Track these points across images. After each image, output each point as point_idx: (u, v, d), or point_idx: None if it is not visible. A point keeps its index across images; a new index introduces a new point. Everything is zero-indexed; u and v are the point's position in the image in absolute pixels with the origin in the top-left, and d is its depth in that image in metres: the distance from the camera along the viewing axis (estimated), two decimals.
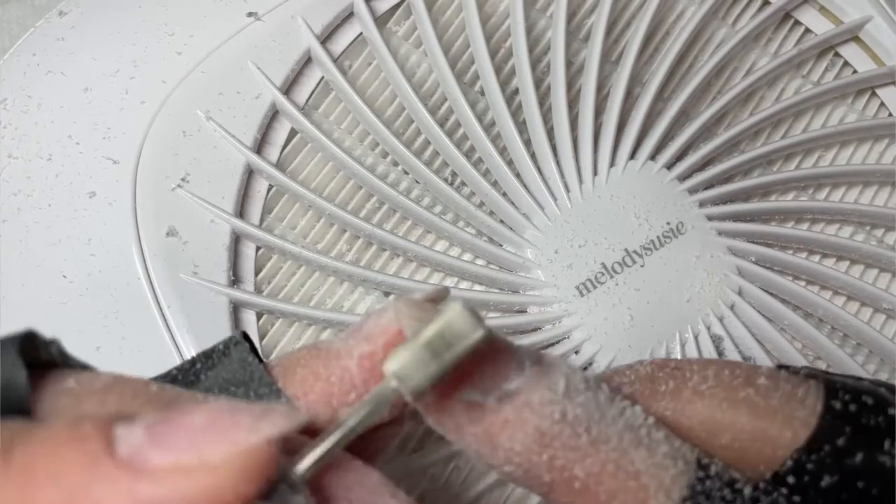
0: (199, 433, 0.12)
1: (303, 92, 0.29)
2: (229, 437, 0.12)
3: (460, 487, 0.27)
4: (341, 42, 0.30)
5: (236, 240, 0.27)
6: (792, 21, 0.36)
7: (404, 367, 0.15)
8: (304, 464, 0.14)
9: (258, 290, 0.27)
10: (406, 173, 0.29)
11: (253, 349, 0.18)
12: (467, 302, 0.16)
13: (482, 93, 0.31)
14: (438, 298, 0.18)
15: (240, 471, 0.12)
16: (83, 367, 0.16)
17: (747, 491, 0.16)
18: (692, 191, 0.31)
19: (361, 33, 0.30)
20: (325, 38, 0.30)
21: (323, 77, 0.29)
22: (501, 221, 0.29)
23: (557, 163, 0.30)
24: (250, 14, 0.29)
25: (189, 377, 0.18)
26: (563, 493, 0.16)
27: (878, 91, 0.36)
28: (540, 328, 0.28)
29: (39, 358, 0.15)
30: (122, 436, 0.12)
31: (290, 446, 0.15)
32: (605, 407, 0.16)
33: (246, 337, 0.19)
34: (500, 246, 0.29)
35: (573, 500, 0.16)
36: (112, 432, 0.12)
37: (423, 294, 0.18)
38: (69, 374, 0.15)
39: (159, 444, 0.12)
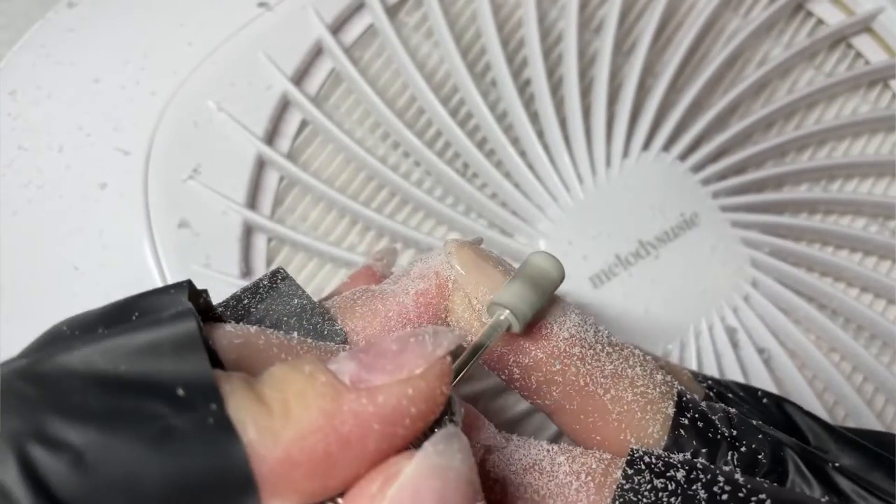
0: (398, 355, 0.15)
1: (314, 82, 0.29)
2: (423, 353, 0.15)
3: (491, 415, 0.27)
4: (352, 32, 0.30)
5: (248, 231, 0.27)
6: (804, 12, 0.36)
7: (513, 300, 0.18)
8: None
9: None
10: (417, 164, 0.29)
11: None
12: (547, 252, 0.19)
13: (494, 83, 0.31)
14: (477, 243, 0.21)
15: (438, 375, 0.15)
16: (220, 319, 0.18)
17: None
18: (705, 182, 0.31)
19: (372, 23, 0.30)
20: (336, 29, 0.30)
21: (334, 67, 0.29)
22: (514, 212, 0.29)
23: (570, 154, 0.30)
24: (261, 4, 0.29)
25: (238, 311, 0.19)
26: (575, 399, 0.19)
27: (891, 82, 0.36)
28: None
29: (197, 305, 0.16)
30: (338, 370, 0.14)
31: None
32: (606, 337, 0.19)
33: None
34: (512, 237, 0.29)
35: (584, 407, 0.19)
36: (330, 370, 0.14)
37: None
38: (227, 328, 0.16)
39: (373, 368, 0.14)
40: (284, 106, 0.28)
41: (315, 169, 0.28)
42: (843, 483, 0.18)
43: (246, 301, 0.20)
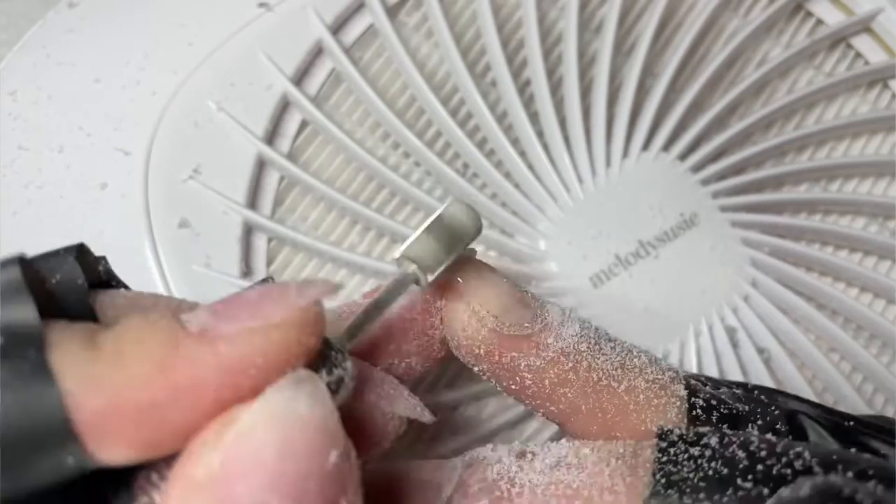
0: (256, 304, 0.14)
1: (314, 83, 0.29)
2: (283, 302, 0.14)
3: (483, 422, 0.27)
4: (352, 33, 0.30)
5: (248, 231, 0.27)
6: (804, 12, 0.36)
7: (414, 250, 0.17)
8: (344, 332, 0.17)
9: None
10: (417, 164, 0.29)
11: None
12: (462, 200, 0.19)
13: (494, 83, 0.31)
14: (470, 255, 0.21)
15: (299, 324, 0.14)
16: (125, 286, 0.18)
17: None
18: (705, 182, 0.31)
19: (372, 24, 0.30)
20: (336, 29, 0.30)
21: (334, 68, 0.29)
22: (514, 212, 0.29)
23: (570, 154, 0.30)
24: (261, 4, 0.29)
25: None
26: (590, 396, 0.19)
27: (890, 82, 0.36)
28: None
29: (91, 271, 0.16)
30: (188, 319, 0.14)
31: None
32: (605, 332, 0.20)
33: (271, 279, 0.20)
34: (513, 237, 0.29)
35: (600, 404, 0.19)
36: (179, 318, 0.14)
37: None
38: (120, 291, 0.16)
39: (224, 317, 0.14)
40: (285, 106, 0.28)
41: (315, 169, 0.28)
42: (869, 440, 0.18)
43: None
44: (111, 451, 0.13)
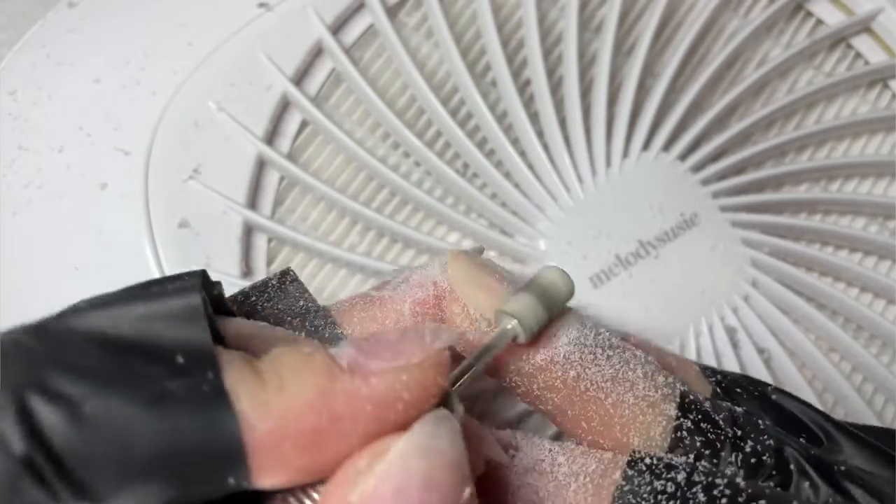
0: (397, 345, 0.15)
1: (314, 83, 0.29)
2: (420, 344, 0.15)
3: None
4: (352, 33, 0.30)
5: (248, 231, 0.27)
6: (804, 12, 0.36)
7: (521, 311, 0.18)
8: (453, 375, 0.17)
9: None
10: (417, 164, 0.29)
11: None
12: (560, 268, 0.20)
13: (494, 83, 0.31)
14: (478, 252, 0.22)
15: (434, 366, 0.15)
16: (231, 313, 0.19)
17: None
18: (705, 182, 0.31)
19: (373, 24, 0.30)
20: (336, 29, 0.30)
21: (334, 68, 0.29)
22: (514, 212, 0.29)
23: (570, 154, 0.30)
24: (261, 5, 0.29)
25: (245, 307, 0.20)
26: (576, 404, 0.19)
27: (890, 82, 0.36)
28: None
29: (210, 295, 0.17)
30: (337, 354, 0.15)
31: None
32: (606, 339, 0.20)
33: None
34: (512, 237, 0.29)
35: (585, 413, 0.19)
36: (328, 352, 0.15)
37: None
38: (239, 320, 0.17)
39: (370, 355, 0.15)
40: (285, 106, 0.28)
41: (315, 169, 0.28)
42: (851, 486, 0.18)
43: (254, 298, 0.20)
44: (271, 475, 0.14)
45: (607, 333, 0.20)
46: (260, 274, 0.27)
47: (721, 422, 0.19)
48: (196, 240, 0.26)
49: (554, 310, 0.19)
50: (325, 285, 0.28)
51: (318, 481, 0.14)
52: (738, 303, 0.30)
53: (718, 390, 0.21)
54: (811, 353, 0.30)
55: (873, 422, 0.29)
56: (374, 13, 0.30)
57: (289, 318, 0.20)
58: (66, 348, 0.14)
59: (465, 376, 0.18)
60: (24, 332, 0.14)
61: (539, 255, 0.29)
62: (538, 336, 0.19)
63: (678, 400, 0.19)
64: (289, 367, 0.14)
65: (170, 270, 0.25)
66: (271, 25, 0.29)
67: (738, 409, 0.19)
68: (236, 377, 0.14)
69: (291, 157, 0.28)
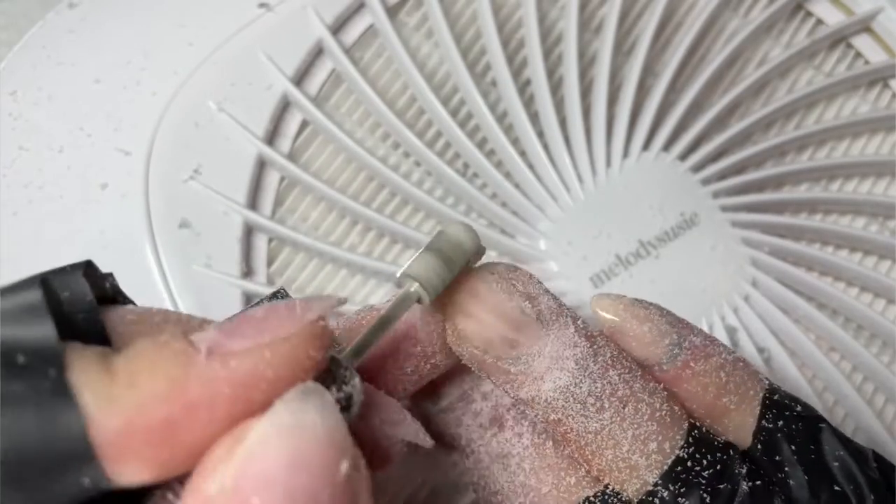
0: (263, 320, 0.14)
1: (314, 83, 0.29)
2: (289, 318, 0.14)
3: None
4: (352, 33, 0.30)
5: (249, 231, 0.27)
6: (804, 12, 0.36)
7: (417, 269, 0.18)
8: (349, 350, 0.17)
9: (270, 282, 0.27)
10: (417, 164, 0.29)
11: None
12: (465, 222, 0.19)
13: (494, 83, 0.31)
14: (478, 257, 0.21)
15: (306, 338, 0.14)
16: (132, 302, 0.18)
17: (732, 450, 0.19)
18: (705, 182, 0.31)
19: (373, 24, 0.30)
20: (337, 29, 0.30)
21: (334, 68, 0.29)
22: (514, 212, 0.29)
23: (570, 154, 0.30)
24: (262, 5, 0.29)
25: None
26: (556, 436, 0.19)
27: (890, 82, 0.36)
28: None
29: (98, 288, 0.16)
30: (198, 339, 0.14)
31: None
32: (608, 386, 0.19)
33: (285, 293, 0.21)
34: (513, 237, 0.29)
35: (565, 443, 0.18)
36: (189, 338, 0.14)
37: None
38: (128, 308, 0.16)
39: (233, 335, 0.14)
40: (285, 106, 0.28)
41: (316, 169, 0.28)
42: None
43: None
44: (128, 472, 0.13)
45: (617, 374, 0.19)
46: (260, 274, 0.27)
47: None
48: (196, 240, 0.26)
49: (458, 267, 0.18)
50: (326, 285, 0.28)
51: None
52: (738, 302, 0.30)
53: (759, 446, 0.20)
54: (811, 352, 0.30)
55: (873, 422, 0.29)
56: (375, 13, 0.30)
57: None
58: None
59: (367, 348, 0.17)
60: None
61: (539, 254, 0.29)
62: (526, 370, 0.18)
63: (665, 468, 0.18)
64: (143, 359, 0.14)
65: (170, 270, 0.25)
66: (272, 25, 0.29)
67: (745, 488, 0.18)
68: (82, 372, 0.13)
69: (292, 157, 0.28)
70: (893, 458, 0.28)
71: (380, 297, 0.28)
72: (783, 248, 0.31)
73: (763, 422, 0.20)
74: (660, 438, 0.18)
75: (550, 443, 0.20)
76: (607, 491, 0.18)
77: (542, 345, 0.19)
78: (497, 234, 0.29)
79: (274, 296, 0.20)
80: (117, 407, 0.13)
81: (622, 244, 0.29)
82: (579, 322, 0.19)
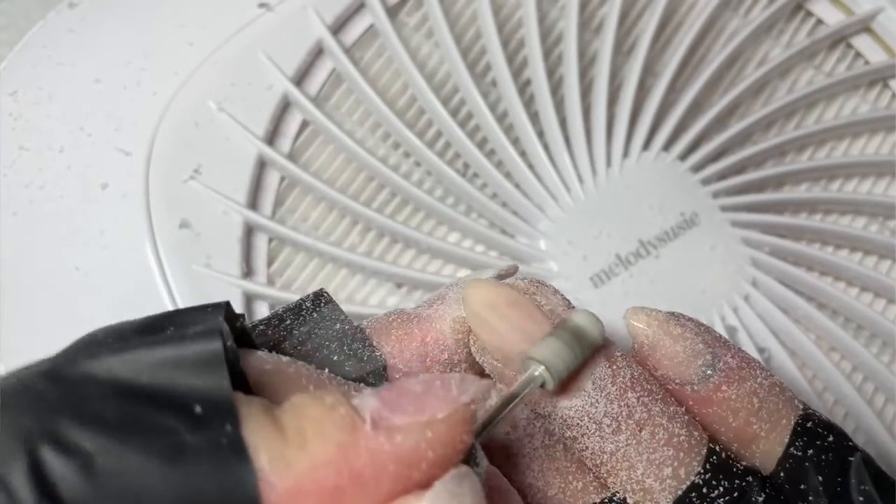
0: (421, 397, 0.15)
1: (314, 83, 0.29)
2: (447, 398, 0.15)
3: None
4: (352, 33, 0.30)
5: (249, 231, 0.27)
6: (804, 12, 0.36)
7: (549, 356, 0.18)
8: (476, 429, 0.17)
9: (271, 282, 0.27)
10: (418, 164, 0.29)
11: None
12: (591, 312, 0.19)
13: (494, 83, 0.31)
14: (509, 275, 0.21)
15: (459, 422, 0.14)
16: (254, 341, 0.18)
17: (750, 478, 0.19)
18: (706, 182, 0.31)
19: (373, 24, 0.30)
20: (337, 29, 0.30)
21: (334, 68, 0.29)
22: (514, 212, 0.29)
23: (570, 154, 0.30)
24: (262, 5, 0.29)
25: (280, 331, 0.19)
26: (573, 450, 0.19)
27: (890, 82, 0.36)
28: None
29: (234, 328, 0.16)
30: (359, 405, 0.14)
31: None
32: (625, 408, 0.18)
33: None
34: (513, 237, 0.29)
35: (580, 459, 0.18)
36: (353, 404, 0.14)
37: (496, 270, 0.21)
38: (262, 355, 0.17)
39: (394, 408, 0.14)
40: (285, 106, 0.28)
41: (316, 169, 0.28)
42: None
43: (288, 321, 0.20)
44: None
45: (635, 399, 0.19)
46: (260, 274, 0.27)
47: None
48: (197, 240, 0.26)
49: (583, 356, 0.18)
50: (326, 285, 0.28)
51: None
52: (738, 302, 0.30)
53: (783, 473, 0.19)
54: (811, 352, 0.30)
55: (874, 422, 0.29)
56: (375, 13, 0.30)
57: (326, 343, 0.19)
58: (81, 396, 0.13)
59: (487, 427, 0.17)
60: (35, 375, 0.14)
61: (540, 254, 0.29)
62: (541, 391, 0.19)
63: (679, 493, 0.18)
64: (310, 420, 0.14)
65: (170, 270, 0.25)
66: (272, 25, 0.29)
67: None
68: (255, 430, 0.13)
69: (292, 157, 0.28)
70: (893, 458, 0.29)
71: (380, 297, 0.28)
72: (783, 248, 0.31)
73: (791, 449, 0.19)
74: (675, 464, 0.18)
75: (561, 446, 0.20)
76: (615, 498, 0.18)
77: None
78: (497, 234, 0.29)
79: (317, 297, 0.20)
80: (290, 469, 0.13)
81: (622, 244, 0.29)
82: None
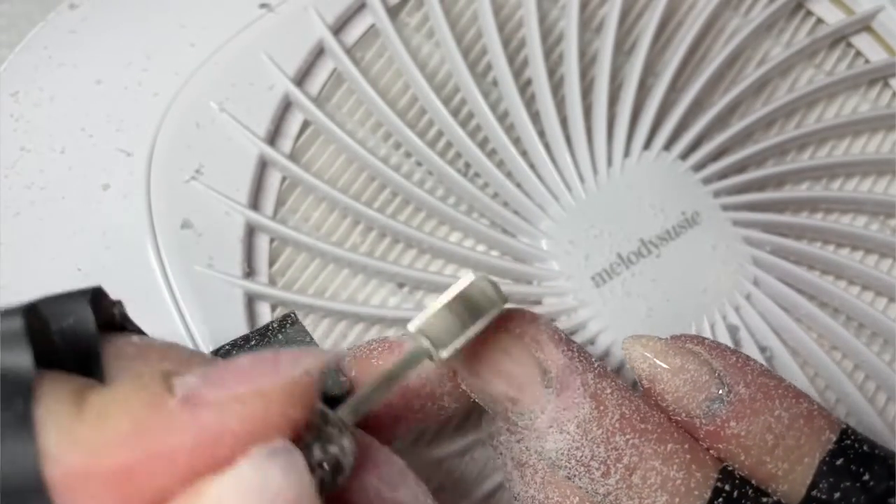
0: (247, 371, 0.14)
1: (315, 83, 0.29)
2: (274, 371, 0.14)
3: (474, 481, 0.26)
4: (353, 33, 0.30)
5: (250, 232, 0.27)
6: (804, 11, 0.36)
7: (430, 326, 0.17)
8: (347, 406, 0.16)
9: (272, 282, 0.27)
10: (419, 164, 0.29)
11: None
12: (486, 275, 0.18)
13: (495, 83, 0.31)
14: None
15: (286, 396, 0.13)
16: (139, 332, 0.17)
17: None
18: (707, 181, 0.31)
19: (374, 24, 0.30)
20: (338, 29, 0.30)
21: (335, 68, 0.29)
22: (515, 212, 0.29)
23: (572, 153, 0.30)
24: (263, 5, 0.29)
25: (244, 352, 0.19)
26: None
27: (891, 81, 0.36)
28: (555, 319, 0.28)
29: (105, 314, 0.16)
30: (178, 383, 0.14)
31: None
32: (613, 451, 0.18)
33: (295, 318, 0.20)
34: (514, 237, 0.29)
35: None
36: (170, 381, 0.14)
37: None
38: (131, 337, 0.16)
39: (212, 383, 0.14)
40: (286, 106, 0.28)
41: (317, 169, 0.29)
42: None
43: (254, 342, 0.20)
44: None
45: (624, 442, 0.18)
46: (262, 274, 0.27)
47: None
48: (198, 240, 0.26)
49: (477, 327, 0.17)
50: (328, 286, 0.28)
51: None
52: (739, 301, 0.30)
53: (815, 494, 0.18)
54: (813, 351, 0.30)
55: (875, 421, 0.29)
56: (376, 13, 0.30)
57: None
58: None
59: (366, 403, 0.16)
60: None
61: (541, 254, 0.29)
62: (528, 431, 0.18)
63: None
64: (116, 399, 0.13)
65: (172, 271, 0.25)
66: (273, 26, 0.29)
67: None
68: (51, 407, 0.13)
69: (293, 157, 0.28)
70: None
71: (382, 297, 0.28)
72: (784, 247, 0.31)
73: (814, 492, 0.18)
74: (682, 497, 0.17)
75: None
76: None
77: (542, 404, 0.18)
78: (499, 233, 0.29)
79: (284, 319, 0.20)
80: (76, 446, 0.13)
81: (623, 243, 0.29)
82: (590, 378, 0.18)
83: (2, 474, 0.12)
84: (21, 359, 0.13)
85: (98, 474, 0.13)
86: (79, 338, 0.15)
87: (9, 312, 0.14)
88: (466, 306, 0.17)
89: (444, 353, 0.17)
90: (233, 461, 0.13)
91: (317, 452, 0.14)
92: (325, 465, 0.14)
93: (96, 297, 0.16)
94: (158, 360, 0.16)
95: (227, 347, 0.19)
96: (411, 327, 0.17)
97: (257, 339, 0.20)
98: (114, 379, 0.14)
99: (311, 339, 0.20)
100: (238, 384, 0.13)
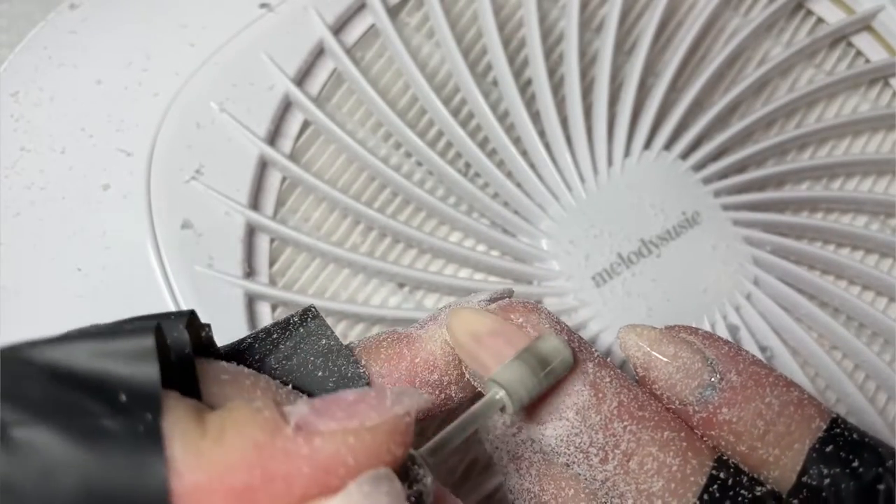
0: (353, 406, 0.15)
1: (315, 83, 0.29)
2: (379, 408, 0.15)
3: None
4: (354, 33, 0.30)
5: (251, 232, 0.27)
6: (804, 10, 0.36)
7: (511, 381, 0.18)
8: (428, 448, 0.17)
9: (273, 283, 0.27)
10: (419, 164, 0.29)
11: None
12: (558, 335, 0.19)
13: (495, 83, 0.31)
14: (502, 298, 0.21)
15: (390, 433, 0.14)
16: (220, 354, 0.18)
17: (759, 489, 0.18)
18: (707, 181, 0.31)
19: (374, 24, 0.30)
20: (338, 29, 0.30)
21: (336, 68, 0.29)
22: (516, 212, 0.29)
23: (572, 153, 0.30)
24: (263, 5, 0.29)
25: (266, 345, 0.19)
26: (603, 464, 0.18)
27: (891, 80, 0.36)
28: None
29: (195, 337, 0.17)
30: (290, 412, 0.15)
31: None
32: (611, 438, 0.18)
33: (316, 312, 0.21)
34: (515, 237, 0.29)
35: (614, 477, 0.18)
36: (282, 409, 0.15)
37: (489, 294, 0.21)
38: (223, 365, 0.17)
39: (323, 415, 0.15)
40: (286, 106, 0.28)
41: (317, 169, 0.28)
42: None
43: (276, 335, 0.20)
44: None
45: (622, 429, 0.18)
46: (262, 275, 0.27)
47: None
48: (198, 240, 0.26)
49: (549, 382, 0.18)
50: (328, 286, 0.28)
51: None
52: (740, 301, 0.30)
53: (796, 502, 0.18)
54: (813, 351, 0.30)
55: (876, 420, 0.29)
56: (376, 13, 0.30)
57: (311, 358, 0.19)
58: (14, 376, 0.14)
59: (442, 447, 0.17)
60: None
61: (542, 254, 0.29)
62: (528, 418, 0.18)
63: None
64: (233, 420, 0.14)
65: (172, 271, 0.25)
66: (273, 26, 0.29)
67: None
68: (175, 422, 0.14)
69: (293, 157, 0.28)
70: None
71: (382, 297, 0.28)
72: (785, 247, 0.31)
73: (805, 478, 0.18)
74: (666, 496, 0.18)
75: None
76: None
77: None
78: (499, 233, 0.29)
79: (305, 312, 0.20)
80: (201, 461, 0.13)
81: (624, 243, 0.29)
82: (590, 367, 0.19)
83: (133, 483, 0.13)
84: (150, 374, 0.14)
85: (222, 491, 0.13)
86: (177, 359, 0.16)
87: (138, 330, 0.15)
88: (539, 359, 0.18)
89: (517, 405, 0.18)
90: (341, 488, 0.14)
91: (405, 488, 0.15)
92: (411, 500, 0.15)
93: (191, 319, 0.17)
94: (251, 387, 0.17)
95: (248, 340, 0.20)
96: (496, 377, 0.18)
97: (279, 332, 0.20)
98: (213, 402, 0.15)
99: (332, 332, 0.20)
100: (347, 417, 0.14)
